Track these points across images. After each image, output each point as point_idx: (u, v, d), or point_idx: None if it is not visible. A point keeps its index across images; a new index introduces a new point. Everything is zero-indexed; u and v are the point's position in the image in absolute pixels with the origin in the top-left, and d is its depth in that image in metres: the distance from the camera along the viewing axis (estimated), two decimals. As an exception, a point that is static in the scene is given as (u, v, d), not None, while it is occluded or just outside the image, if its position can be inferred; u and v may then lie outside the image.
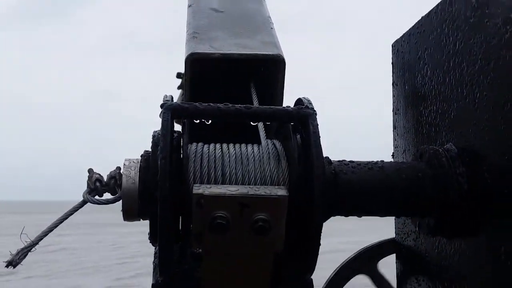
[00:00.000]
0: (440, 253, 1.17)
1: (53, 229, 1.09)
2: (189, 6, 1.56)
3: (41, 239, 1.06)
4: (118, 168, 1.04)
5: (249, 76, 1.32)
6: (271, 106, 1.05)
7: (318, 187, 0.95)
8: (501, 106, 0.96)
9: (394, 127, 1.45)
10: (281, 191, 0.95)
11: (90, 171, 1.05)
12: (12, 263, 1.02)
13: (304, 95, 1.08)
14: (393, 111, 1.45)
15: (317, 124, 1.00)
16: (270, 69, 1.30)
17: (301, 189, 0.98)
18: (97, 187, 1.04)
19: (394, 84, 1.45)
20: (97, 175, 1.05)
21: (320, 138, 1.02)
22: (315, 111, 1.02)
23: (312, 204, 0.95)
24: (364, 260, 1.43)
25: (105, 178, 1.05)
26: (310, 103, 1.04)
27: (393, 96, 1.45)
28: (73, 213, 1.09)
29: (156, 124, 1.02)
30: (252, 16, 1.52)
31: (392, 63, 1.46)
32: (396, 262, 1.43)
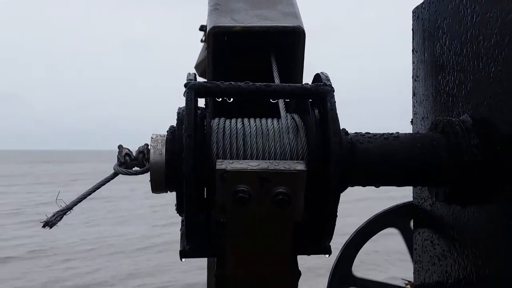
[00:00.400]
0: (455, 219, 1.22)
1: (86, 196, 1.17)
2: None
3: (76, 204, 1.14)
4: (146, 144, 1.11)
5: (269, 48, 1.35)
6: (290, 84, 1.09)
7: (335, 162, 1.00)
8: None
9: (414, 94, 1.47)
10: (300, 166, 1.00)
11: (120, 147, 1.12)
12: (49, 223, 1.10)
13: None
14: (412, 77, 1.47)
15: (335, 101, 1.04)
16: (290, 40, 1.33)
17: (319, 163, 1.03)
18: (126, 160, 1.11)
19: (414, 50, 1.46)
20: (126, 150, 1.12)
21: (337, 114, 1.06)
22: (332, 88, 1.06)
23: (330, 178, 1.00)
24: (382, 223, 1.49)
25: (134, 153, 1.11)
26: (328, 80, 1.08)
27: (413, 62, 1.46)
28: (105, 184, 1.17)
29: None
30: None
31: (412, 29, 1.47)
32: (413, 225, 1.48)
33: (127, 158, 1.11)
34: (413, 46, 1.47)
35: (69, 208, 1.12)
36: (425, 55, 1.38)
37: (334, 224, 1.07)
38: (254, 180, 0.99)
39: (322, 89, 1.05)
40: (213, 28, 1.32)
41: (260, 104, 1.20)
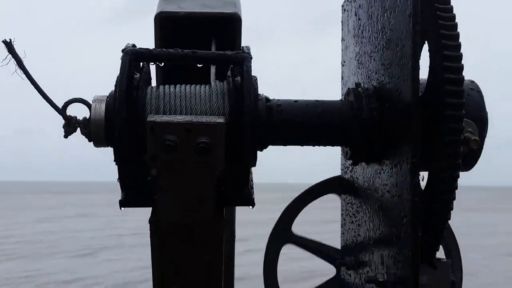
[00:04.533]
0: (367, 182, 1.37)
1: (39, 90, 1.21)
2: None
3: (28, 77, 1.17)
4: None
5: (210, 33, 1.52)
6: (214, 52, 1.25)
7: (247, 113, 1.15)
8: (399, 59, 1.14)
9: (342, 77, 1.64)
10: (220, 119, 1.16)
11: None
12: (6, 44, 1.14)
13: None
14: (341, 63, 1.65)
15: (251, 66, 1.20)
16: (228, 26, 1.50)
17: (238, 119, 1.19)
18: (71, 119, 1.24)
19: (342, 39, 1.64)
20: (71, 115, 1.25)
21: (256, 79, 1.23)
22: (250, 55, 1.22)
23: (243, 129, 1.16)
24: (315, 195, 1.64)
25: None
26: (248, 49, 1.24)
27: (342, 50, 1.64)
28: (54, 107, 1.23)
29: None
30: None
31: (342, 21, 1.65)
32: (341, 195, 1.64)
33: (71, 117, 1.24)
34: (342, 35, 1.65)
35: (20, 62, 1.15)
36: (349, 41, 1.55)
37: (249, 174, 1.21)
38: (179, 130, 1.13)
39: (241, 55, 1.21)
40: (160, 13, 1.49)
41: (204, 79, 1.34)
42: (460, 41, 1.10)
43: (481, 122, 1.23)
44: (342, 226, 1.62)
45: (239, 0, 1.58)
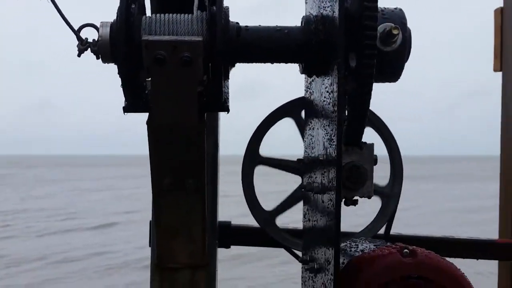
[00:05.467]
0: (319, 92, 1.64)
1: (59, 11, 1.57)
2: None
3: None
4: None
5: None
6: None
7: (219, 39, 1.49)
8: None
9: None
10: (198, 38, 1.48)
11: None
12: None
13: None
14: (304, 1, 1.95)
15: None
16: None
17: (212, 40, 1.52)
18: (83, 40, 1.58)
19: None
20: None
21: (228, 8, 1.56)
22: None
23: (216, 52, 1.50)
24: (280, 114, 1.98)
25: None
26: None
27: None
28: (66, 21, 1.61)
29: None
30: None
31: None
32: (304, 114, 1.95)
33: (84, 39, 1.59)
34: None
35: None
36: None
37: (221, 85, 1.55)
38: (167, 47, 1.46)
39: None
40: None
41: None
42: None
43: (403, 26, 1.53)
44: (303, 137, 1.92)
45: None
